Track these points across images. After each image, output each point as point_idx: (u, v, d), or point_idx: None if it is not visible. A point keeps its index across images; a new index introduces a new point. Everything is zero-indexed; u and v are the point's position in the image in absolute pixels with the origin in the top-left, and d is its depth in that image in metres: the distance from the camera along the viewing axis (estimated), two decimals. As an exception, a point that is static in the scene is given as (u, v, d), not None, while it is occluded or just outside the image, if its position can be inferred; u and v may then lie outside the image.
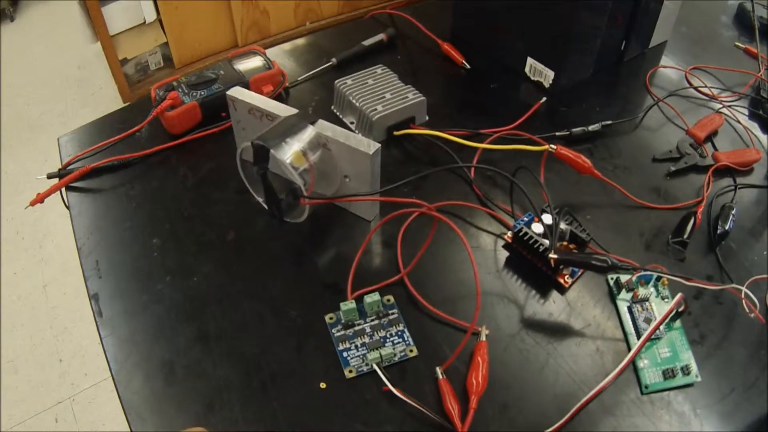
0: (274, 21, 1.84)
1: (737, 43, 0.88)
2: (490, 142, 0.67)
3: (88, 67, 2.10)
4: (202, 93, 0.68)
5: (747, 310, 0.50)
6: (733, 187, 0.67)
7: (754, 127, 0.77)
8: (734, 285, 0.51)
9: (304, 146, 0.53)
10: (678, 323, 0.52)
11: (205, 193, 0.63)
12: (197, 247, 0.58)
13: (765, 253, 0.61)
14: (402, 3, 1.49)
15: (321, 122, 0.55)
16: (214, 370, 0.48)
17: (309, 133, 0.54)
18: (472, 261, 0.55)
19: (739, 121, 0.76)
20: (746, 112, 0.79)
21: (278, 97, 0.71)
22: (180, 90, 0.68)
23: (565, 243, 0.54)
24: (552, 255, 0.50)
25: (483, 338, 0.49)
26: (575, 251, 0.55)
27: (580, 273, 0.55)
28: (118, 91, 1.77)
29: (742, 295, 0.50)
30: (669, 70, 0.83)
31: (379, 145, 0.52)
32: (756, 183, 0.69)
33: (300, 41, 0.86)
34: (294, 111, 0.55)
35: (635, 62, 0.83)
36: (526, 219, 0.57)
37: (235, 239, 0.58)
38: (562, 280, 0.54)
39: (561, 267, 0.53)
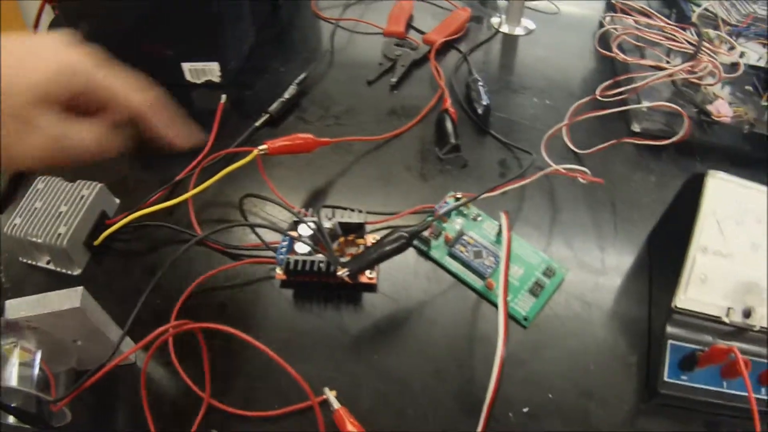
0: None
1: None
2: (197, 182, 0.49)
3: None
4: None
5: (583, 181, 0.44)
6: (463, 58, 0.60)
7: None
8: (556, 166, 0.44)
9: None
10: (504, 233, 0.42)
11: None
12: None
13: (534, 99, 0.55)
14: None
15: (8, 303, 0.35)
16: None
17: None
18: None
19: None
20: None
21: None
22: None
23: (342, 239, 0.42)
24: (342, 273, 0.37)
25: (336, 405, 0.35)
26: (359, 244, 0.42)
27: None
28: None
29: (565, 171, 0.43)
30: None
31: (80, 289, 0.34)
32: (481, 39, 0.63)
33: None
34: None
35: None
36: (284, 243, 0.43)
37: None
38: (365, 279, 0.41)
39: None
